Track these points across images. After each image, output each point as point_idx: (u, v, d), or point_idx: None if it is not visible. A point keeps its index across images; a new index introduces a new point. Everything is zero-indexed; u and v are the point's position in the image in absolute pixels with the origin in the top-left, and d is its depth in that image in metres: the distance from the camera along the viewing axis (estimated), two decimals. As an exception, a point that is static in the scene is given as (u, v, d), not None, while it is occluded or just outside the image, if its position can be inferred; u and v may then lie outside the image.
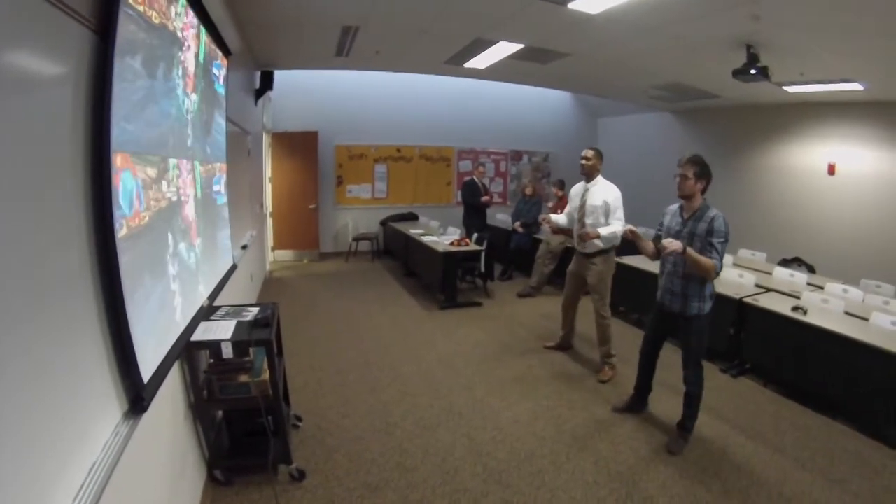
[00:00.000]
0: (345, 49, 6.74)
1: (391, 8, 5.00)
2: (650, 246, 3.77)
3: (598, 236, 4.48)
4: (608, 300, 4.81)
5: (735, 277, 5.67)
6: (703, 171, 3.44)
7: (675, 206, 3.68)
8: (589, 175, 4.78)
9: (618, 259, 4.94)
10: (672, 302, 3.63)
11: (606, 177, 4.79)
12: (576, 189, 4.95)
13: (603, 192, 4.67)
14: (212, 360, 2.94)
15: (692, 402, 3.67)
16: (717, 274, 3.38)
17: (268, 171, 9.45)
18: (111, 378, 1.77)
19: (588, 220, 4.67)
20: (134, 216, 1.91)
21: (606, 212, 4.60)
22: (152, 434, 2.16)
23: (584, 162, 4.78)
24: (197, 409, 2.92)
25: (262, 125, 8.47)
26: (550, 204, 8.45)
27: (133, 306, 1.84)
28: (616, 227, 4.50)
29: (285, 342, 3.84)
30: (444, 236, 8.07)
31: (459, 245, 7.25)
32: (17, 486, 1.20)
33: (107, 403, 1.73)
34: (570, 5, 4.42)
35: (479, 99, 10.98)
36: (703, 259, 3.32)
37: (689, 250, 3.32)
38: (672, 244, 3.31)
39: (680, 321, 3.64)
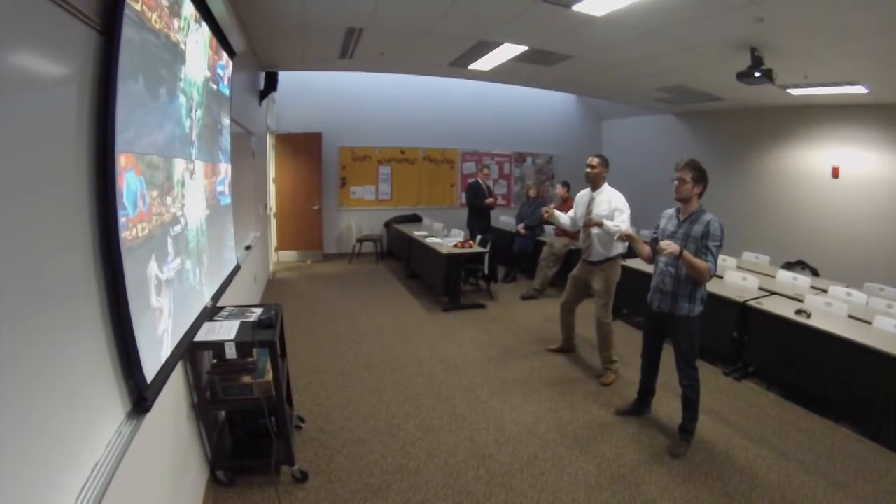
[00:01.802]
0: (349, 51, 6.75)
1: (395, 10, 5.00)
2: (646, 248, 3.83)
3: (601, 224, 4.45)
4: (611, 307, 4.79)
5: (738, 280, 5.66)
6: (700, 176, 3.49)
7: (671, 210, 3.72)
8: (594, 183, 4.74)
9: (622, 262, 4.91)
10: (661, 302, 3.66)
11: (611, 180, 4.77)
12: (581, 197, 4.92)
13: (609, 201, 4.64)
14: (215, 361, 2.95)
15: (689, 404, 3.68)
16: (711, 276, 3.42)
17: (272, 172, 9.47)
18: (114, 378, 1.77)
19: (594, 231, 4.61)
20: (138, 216, 1.92)
21: (613, 219, 4.56)
22: (155, 434, 2.17)
23: (588, 170, 4.72)
24: (200, 409, 2.93)
25: (266, 126, 8.49)
26: (554, 205, 8.43)
27: (136, 306, 1.84)
28: (622, 226, 4.44)
29: (288, 343, 3.85)
30: (447, 238, 8.08)
31: (463, 247, 7.25)
32: (19, 486, 1.20)
33: (110, 403, 1.73)
34: (575, 7, 4.42)
35: (483, 101, 10.98)
36: (697, 261, 3.36)
37: (686, 253, 3.36)
38: (669, 246, 3.37)
39: (669, 322, 3.66)
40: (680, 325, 3.59)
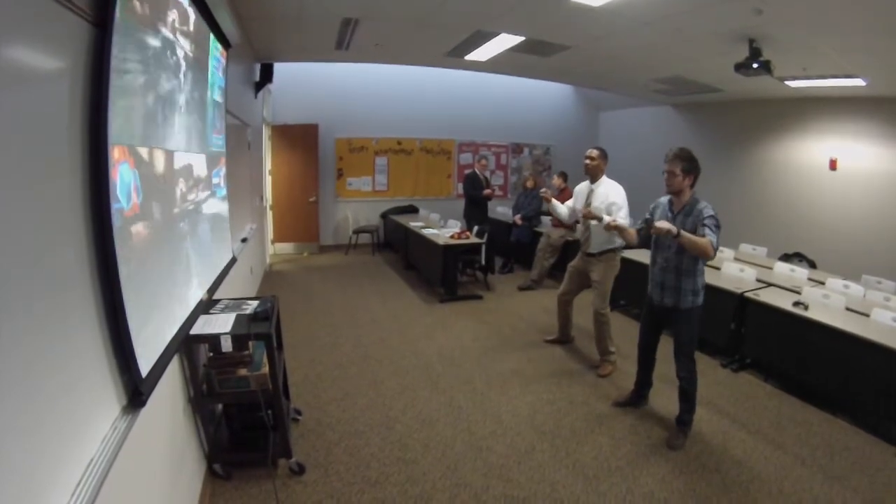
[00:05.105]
0: (345, 42, 6.70)
1: (391, 0, 4.97)
2: (632, 232, 3.80)
3: (601, 219, 4.40)
4: (608, 298, 4.79)
5: (736, 272, 5.66)
6: (690, 167, 3.42)
7: (664, 199, 3.67)
8: (593, 176, 4.71)
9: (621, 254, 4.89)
10: (664, 296, 3.63)
11: (609, 171, 4.75)
12: (580, 189, 4.90)
13: (606, 194, 4.61)
14: (211, 354, 2.93)
15: (687, 395, 3.68)
16: (715, 251, 3.25)
17: (268, 164, 9.42)
18: (109, 372, 1.75)
19: (593, 223, 4.57)
20: (132, 209, 1.90)
21: (610, 213, 4.51)
22: (151, 428, 2.15)
23: (587, 162, 4.70)
24: (196, 403, 2.92)
25: (261, 118, 8.44)
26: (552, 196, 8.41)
27: (131, 299, 1.83)
28: (619, 220, 4.41)
29: (285, 335, 3.84)
30: (444, 229, 8.07)
31: (460, 238, 7.24)
32: (13, 481, 1.19)
33: (105, 398, 1.72)
34: (572, -3, 4.40)
35: (480, 91, 10.93)
36: (697, 238, 3.25)
37: (684, 233, 3.24)
38: (663, 224, 3.26)
39: (673, 315, 3.64)
40: (685, 316, 3.57)
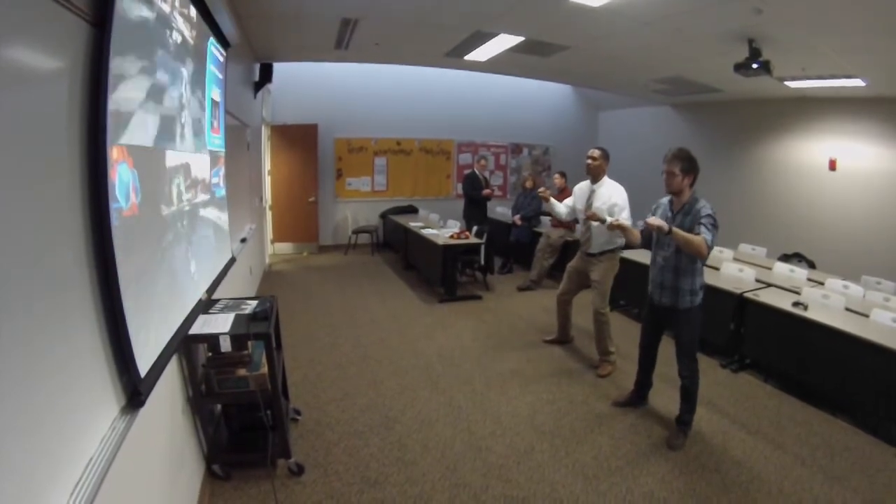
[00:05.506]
0: (344, 41, 6.70)
1: (390, 0, 4.97)
2: (636, 233, 3.82)
3: (605, 220, 4.37)
4: (608, 298, 4.79)
5: (735, 272, 5.66)
6: (689, 167, 3.43)
7: (665, 200, 3.67)
8: (595, 176, 4.70)
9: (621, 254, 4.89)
10: (663, 296, 3.63)
11: (609, 172, 4.74)
12: (580, 189, 4.89)
13: (609, 194, 4.60)
14: (210, 354, 2.92)
15: (688, 395, 3.68)
16: (710, 249, 3.27)
17: (267, 164, 9.43)
18: (108, 372, 1.75)
19: (594, 224, 4.56)
20: (130, 209, 1.89)
21: (612, 214, 4.49)
22: (150, 429, 2.15)
23: (589, 162, 4.68)
24: (195, 403, 2.91)
25: (261, 118, 8.44)
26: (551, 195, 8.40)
27: (130, 300, 1.82)
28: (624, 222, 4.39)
29: (284, 335, 3.83)
30: (443, 229, 8.06)
31: (459, 238, 7.24)
32: (12, 482, 1.18)
33: (104, 398, 1.71)
34: (572, -3, 4.39)
35: (479, 92, 10.93)
36: (690, 235, 3.25)
37: (676, 229, 3.26)
38: (654, 220, 3.29)
39: (672, 315, 3.65)
40: (684, 316, 3.58)
